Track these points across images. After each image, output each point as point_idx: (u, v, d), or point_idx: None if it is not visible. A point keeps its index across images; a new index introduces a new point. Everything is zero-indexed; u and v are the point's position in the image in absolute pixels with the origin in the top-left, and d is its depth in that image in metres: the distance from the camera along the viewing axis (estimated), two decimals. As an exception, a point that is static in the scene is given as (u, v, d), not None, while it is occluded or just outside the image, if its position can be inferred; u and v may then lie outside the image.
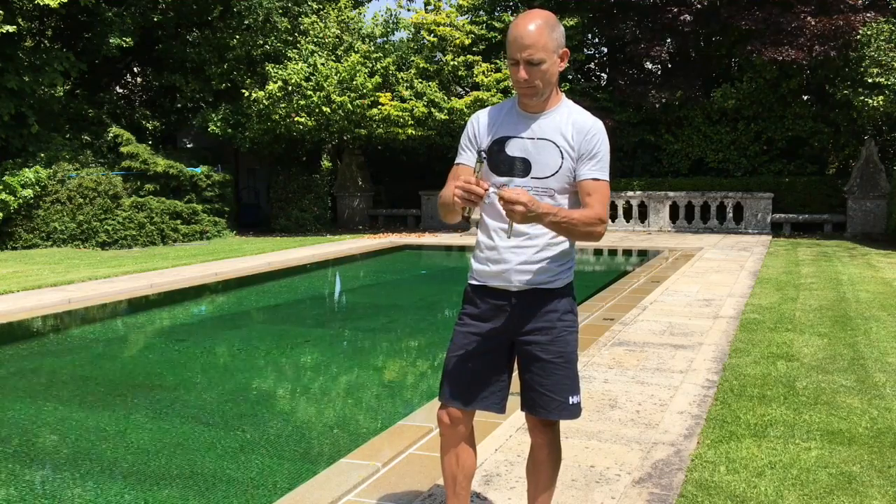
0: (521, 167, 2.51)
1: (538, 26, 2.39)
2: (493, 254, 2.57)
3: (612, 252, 14.80)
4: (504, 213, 2.31)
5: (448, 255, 14.90)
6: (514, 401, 2.71)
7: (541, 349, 2.55)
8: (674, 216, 17.73)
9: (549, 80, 2.45)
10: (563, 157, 2.48)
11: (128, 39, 16.10)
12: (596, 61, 20.23)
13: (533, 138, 2.50)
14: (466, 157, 2.62)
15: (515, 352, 2.63)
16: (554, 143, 2.49)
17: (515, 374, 2.68)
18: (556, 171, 2.49)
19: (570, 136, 2.49)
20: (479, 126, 2.60)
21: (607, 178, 2.51)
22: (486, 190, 2.33)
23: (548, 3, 17.93)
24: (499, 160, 2.54)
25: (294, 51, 17.32)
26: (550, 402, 2.55)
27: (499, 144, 2.54)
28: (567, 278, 2.60)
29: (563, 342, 2.56)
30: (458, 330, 2.65)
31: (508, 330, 2.59)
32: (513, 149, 2.52)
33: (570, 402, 2.57)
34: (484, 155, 2.52)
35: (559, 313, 2.56)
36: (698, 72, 18.35)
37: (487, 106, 2.72)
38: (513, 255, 2.54)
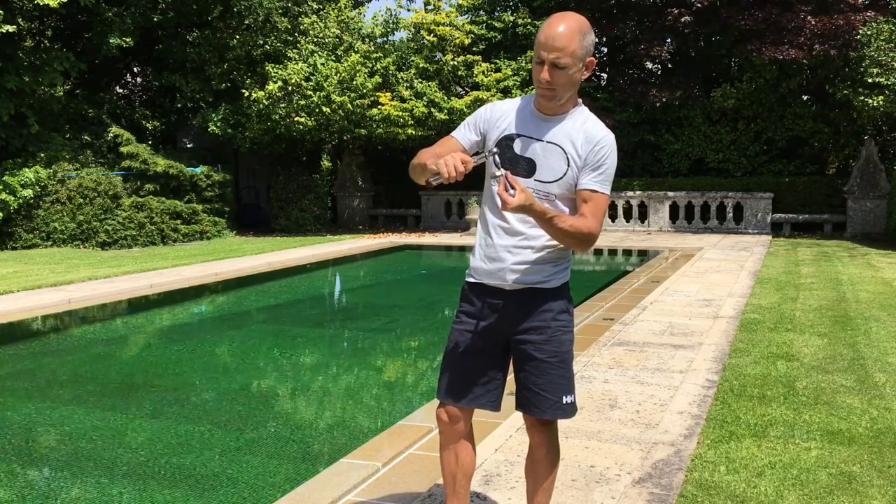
0: (526, 167, 2.50)
1: (570, 30, 2.37)
2: (490, 251, 2.57)
3: (612, 252, 14.80)
4: (499, 191, 2.27)
5: (448, 255, 14.90)
6: (512, 400, 2.70)
7: (535, 348, 2.55)
8: (674, 216, 17.73)
9: (569, 86, 2.43)
10: (568, 165, 2.47)
11: (128, 39, 16.09)
12: (596, 61, 20.20)
13: (542, 141, 2.49)
14: (462, 134, 2.60)
15: (511, 351, 2.63)
16: (562, 148, 2.48)
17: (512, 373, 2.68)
18: (561, 178, 2.48)
19: (580, 144, 2.47)
20: (492, 115, 2.58)
21: (607, 193, 2.49)
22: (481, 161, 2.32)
23: (548, 3, 17.94)
24: (505, 157, 2.52)
25: (294, 51, 17.32)
26: (544, 402, 2.56)
27: (508, 140, 2.53)
28: (562, 278, 2.60)
29: (558, 342, 2.56)
30: (455, 328, 2.66)
31: (504, 329, 2.59)
32: (521, 147, 2.51)
33: (564, 402, 2.57)
34: (495, 154, 2.40)
35: (554, 313, 2.56)
36: (698, 72, 18.36)
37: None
38: (509, 254, 2.54)
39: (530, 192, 2.32)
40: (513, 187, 2.26)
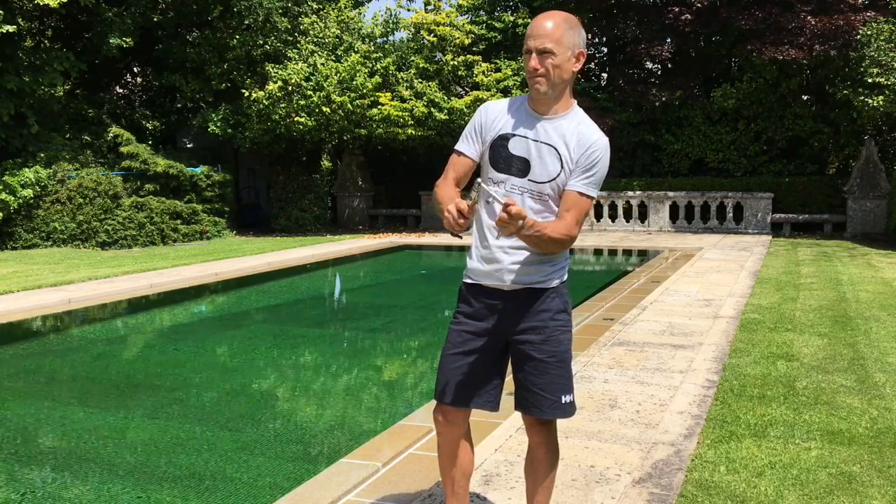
0: (521, 167, 2.51)
1: (555, 21, 2.43)
2: (486, 252, 2.58)
3: (612, 252, 14.80)
4: (497, 216, 2.28)
5: (448, 255, 14.90)
6: (512, 400, 2.70)
7: (534, 348, 2.56)
8: (674, 216, 17.73)
9: (560, 77, 2.44)
10: (562, 167, 2.48)
11: (128, 39, 16.09)
12: (596, 61, 20.26)
13: (537, 141, 2.50)
14: (467, 147, 2.61)
15: (509, 351, 2.63)
16: (556, 149, 2.48)
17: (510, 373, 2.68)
18: (554, 178, 2.49)
19: (573, 146, 2.48)
20: (486, 118, 2.59)
21: (594, 197, 2.51)
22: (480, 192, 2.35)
23: (548, 3, 17.94)
24: (500, 156, 2.53)
25: (294, 51, 17.32)
26: (543, 401, 2.56)
27: (503, 140, 2.53)
28: (560, 278, 2.60)
29: (556, 341, 2.56)
30: (453, 329, 2.66)
31: (502, 329, 2.59)
32: (515, 147, 2.52)
33: (563, 401, 2.57)
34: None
35: (552, 313, 2.57)
36: (698, 72, 18.36)
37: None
38: (505, 255, 2.54)
39: (526, 222, 2.31)
40: (512, 218, 2.26)
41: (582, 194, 2.48)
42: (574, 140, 2.48)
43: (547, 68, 2.42)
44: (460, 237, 2.56)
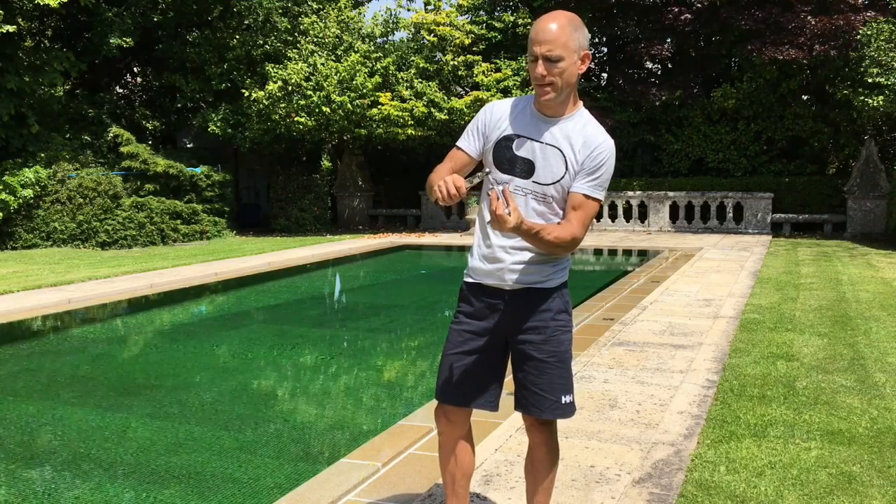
0: (525, 168, 2.50)
1: (560, 24, 2.38)
2: (488, 252, 2.57)
3: (612, 252, 14.80)
4: (493, 208, 2.26)
5: (448, 255, 14.90)
6: (512, 400, 2.70)
7: (534, 348, 2.55)
8: (674, 216, 17.73)
9: (567, 80, 2.42)
10: (567, 168, 2.47)
11: (128, 39, 16.10)
12: (596, 61, 20.26)
13: (542, 142, 2.49)
14: (467, 143, 2.60)
15: (510, 350, 2.63)
16: (561, 151, 2.47)
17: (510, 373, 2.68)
18: (559, 181, 2.48)
19: (578, 148, 2.46)
20: (491, 117, 2.57)
21: (600, 198, 2.49)
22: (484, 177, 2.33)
23: (548, 3, 17.94)
24: (504, 157, 2.52)
25: (294, 51, 17.32)
26: (543, 402, 2.56)
27: (507, 141, 2.52)
28: (561, 278, 2.60)
29: (557, 342, 2.56)
30: (454, 328, 2.65)
31: (502, 329, 2.59)
32: (520, 148, 2.51)
33: (563, 402, 2.57)
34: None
35: (553, 313, 2.56)
36: (698, 72, 18.36)
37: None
38: (507, 254, 2.54)
39: (521, 213, 2.31)
40: (507, 204, 2.25)
41: (588, 196, 2.46)
42: (580, 141, 2.47)
43: (555, 75, 2.39)
44: (440, 207, 2.56)
